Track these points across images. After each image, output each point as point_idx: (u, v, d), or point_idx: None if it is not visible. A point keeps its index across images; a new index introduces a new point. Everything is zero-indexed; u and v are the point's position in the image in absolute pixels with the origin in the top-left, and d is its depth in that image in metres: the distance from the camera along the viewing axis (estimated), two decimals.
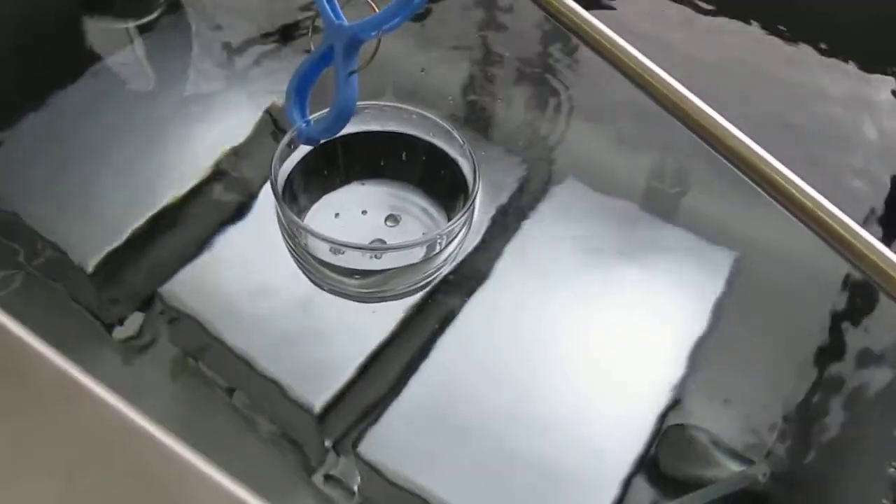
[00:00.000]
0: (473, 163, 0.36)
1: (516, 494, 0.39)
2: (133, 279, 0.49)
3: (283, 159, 0.36)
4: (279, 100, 0.54)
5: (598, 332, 0.46)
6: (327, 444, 0.44)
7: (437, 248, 0.35)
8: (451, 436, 0.41)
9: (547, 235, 0.49)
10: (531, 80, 0.58)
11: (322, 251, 0.35)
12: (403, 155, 0.39)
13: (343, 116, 0.33)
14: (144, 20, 0.56)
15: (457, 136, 0.37)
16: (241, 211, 0.50)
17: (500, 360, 0.44)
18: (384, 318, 0.45)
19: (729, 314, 0.46)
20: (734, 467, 0.44)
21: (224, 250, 0.47)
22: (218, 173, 0.52)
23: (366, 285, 0.36)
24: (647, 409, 0.42)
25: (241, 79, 0.56)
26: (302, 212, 0.38)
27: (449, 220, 0.37)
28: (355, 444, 0.40)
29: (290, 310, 0.45)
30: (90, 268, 0.46)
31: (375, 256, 0.35)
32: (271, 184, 0.35)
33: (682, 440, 0.44)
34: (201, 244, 0.49)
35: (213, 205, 0.51)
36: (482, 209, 0.49)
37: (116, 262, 0.47)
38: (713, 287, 0.46)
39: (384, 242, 0.37)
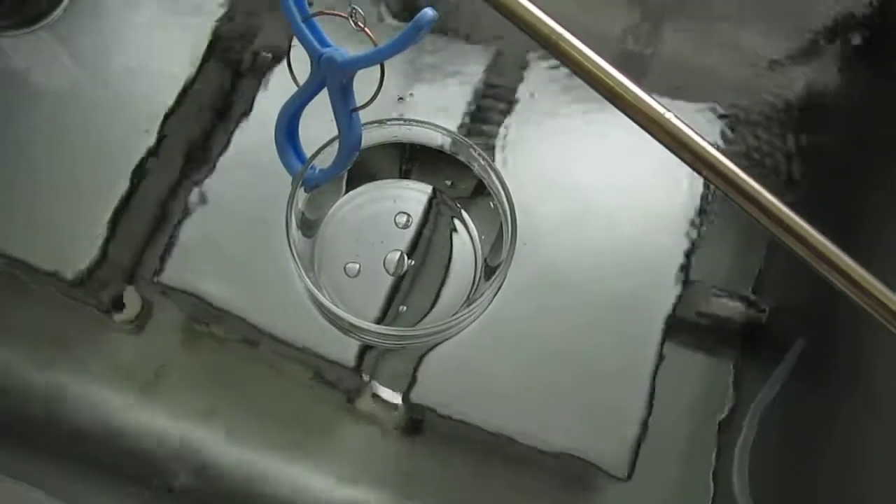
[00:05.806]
0: (506, 195, 0.35)
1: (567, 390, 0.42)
2: (116, 257, 0.47)
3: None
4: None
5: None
6: (365, 377, 0.45)
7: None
8: (495, 353, 0.42)
9: (535, 115, 0.47)
10: None
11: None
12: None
13: (350, 157, 0.30)
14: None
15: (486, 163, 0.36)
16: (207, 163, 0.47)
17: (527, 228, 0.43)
18: None
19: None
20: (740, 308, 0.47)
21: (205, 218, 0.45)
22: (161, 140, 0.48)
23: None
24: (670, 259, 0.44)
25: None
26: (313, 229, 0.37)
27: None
28: (406, 394, 0.41)
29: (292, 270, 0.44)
30: (71, 275, 0.44)
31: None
32: (290, 251, 0.33)
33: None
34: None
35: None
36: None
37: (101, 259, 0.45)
38: None
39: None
